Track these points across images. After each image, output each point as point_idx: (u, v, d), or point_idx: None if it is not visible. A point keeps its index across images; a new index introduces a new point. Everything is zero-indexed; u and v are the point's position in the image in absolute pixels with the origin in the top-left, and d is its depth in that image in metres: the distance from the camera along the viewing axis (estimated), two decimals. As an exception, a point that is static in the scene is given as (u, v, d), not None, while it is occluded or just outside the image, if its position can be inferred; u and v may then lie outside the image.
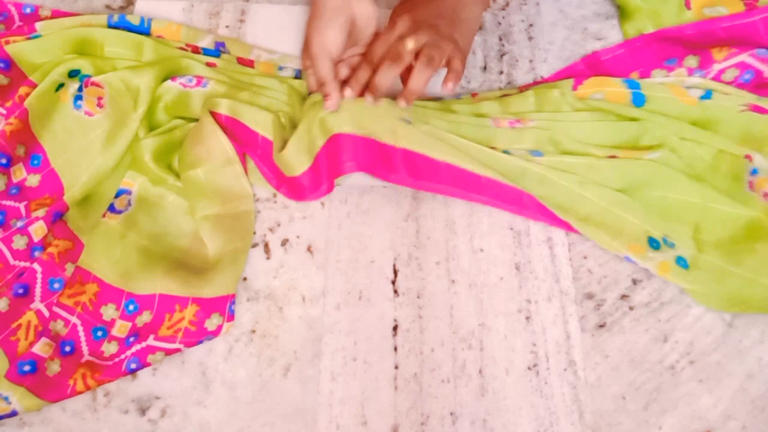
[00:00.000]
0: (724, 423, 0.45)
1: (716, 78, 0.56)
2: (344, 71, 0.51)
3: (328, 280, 0.49)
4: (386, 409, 0.45)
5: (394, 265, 0.50)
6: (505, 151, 0.51)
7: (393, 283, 0.49)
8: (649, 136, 0.52)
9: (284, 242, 0.51)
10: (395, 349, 0.47)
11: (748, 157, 0.52)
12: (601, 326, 0.48)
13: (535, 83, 0.58)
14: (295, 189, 0.52)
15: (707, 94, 0.54)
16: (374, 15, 0.51)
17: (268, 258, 0.50)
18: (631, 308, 0.49)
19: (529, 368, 0.47)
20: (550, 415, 0.45)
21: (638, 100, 0.54)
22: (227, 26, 0.60)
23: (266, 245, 0.51)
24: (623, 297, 0.49)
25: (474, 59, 0.59)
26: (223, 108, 0.51)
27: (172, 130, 0.53)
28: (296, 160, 0.50)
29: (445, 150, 0.49)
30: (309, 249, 0.50)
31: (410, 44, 0.48)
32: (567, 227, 0.50)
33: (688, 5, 0.60)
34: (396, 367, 0.47)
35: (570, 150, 0.52)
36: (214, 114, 0.51)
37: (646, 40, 0.58)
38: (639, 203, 0.51)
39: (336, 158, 0.50)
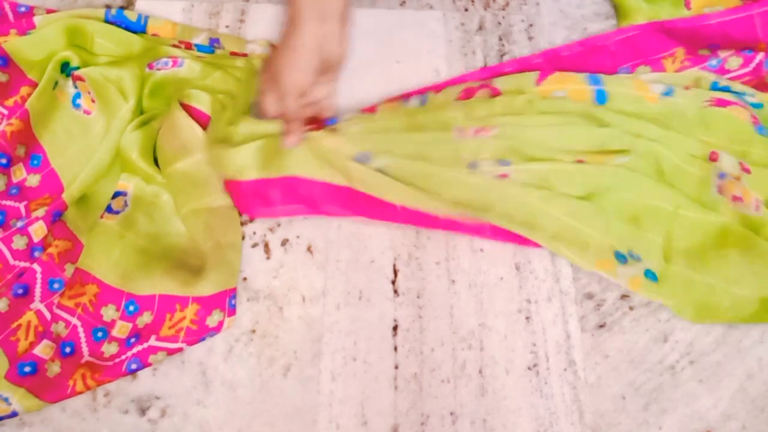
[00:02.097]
0: (724, 423, 0.45)
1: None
2: (306, 112, 0.52)
3: (328, 280, 0.49)
4: (386, 409, 0.45)
5: (394, 265, 0.50)
6: (472, 163, 0.50)
7: (393, 283, 0.49)
8: (617, 141, 0.51)
9: (284, 242, 0.51)
10: (395, 349, 0.47)
11: (713, 155, 0.51)
12: (601, 326, 0.48)
13: (500, 67, 0.57)
14: (244, 195, 0.51)
15: (669, 91, 0.54)
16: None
17: (268, 258, 0.50)
18: (631, 308, 0.49)
19: (529, 368, 0.47)
20: (550, 415, 0.45)
21: (601, 98, 0.54)
22: (227, 26, 0.59)
23: (266, 245, 0.51)
24: (623, 297, 0.49)
25: (474, 59, 0.59)
26: (193, 100, 0.51)
27: (151, 122, 0.52)
28: (249, 162, 0.49)
29: (399, 192, 0.49)
30: (309, 249, 0.50)
31: None
32: (535, 246, 0.50)
33: (688, 5, 0.59)
34: (396, 367, 0.47)
35: (536, 156, 0.51)
36: (185, 105, 0.51)
37: (605, 39, 0.58)
38: (608, 207, 0.50)
39: (287, 197, 0.50)
